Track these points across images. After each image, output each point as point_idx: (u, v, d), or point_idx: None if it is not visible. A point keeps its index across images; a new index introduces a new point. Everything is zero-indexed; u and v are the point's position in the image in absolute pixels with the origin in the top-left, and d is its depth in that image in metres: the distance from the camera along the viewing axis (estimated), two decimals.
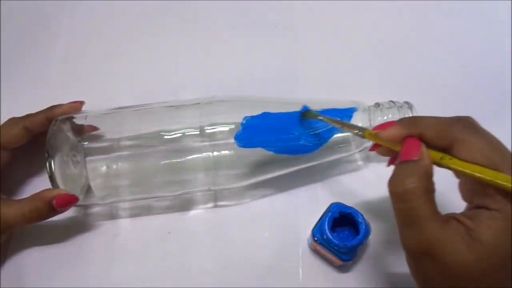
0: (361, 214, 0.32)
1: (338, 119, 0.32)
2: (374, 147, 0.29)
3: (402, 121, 0.26)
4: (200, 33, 0.45)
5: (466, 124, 0.24)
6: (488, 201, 0.23)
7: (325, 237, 0.31)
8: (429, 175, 0.24)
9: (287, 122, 0.33)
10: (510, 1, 0.46)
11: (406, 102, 0.36)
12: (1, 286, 0.34)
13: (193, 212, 0.37)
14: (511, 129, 0.40)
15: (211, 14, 0.47)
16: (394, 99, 0.36)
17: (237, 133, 0.32)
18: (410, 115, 0.35)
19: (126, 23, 0.46)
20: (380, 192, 0.37)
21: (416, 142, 0.25)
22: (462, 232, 0.22)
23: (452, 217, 0.23)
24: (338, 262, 0.32)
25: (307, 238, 0.35)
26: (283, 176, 0.35)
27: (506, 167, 0.22)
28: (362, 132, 0.29)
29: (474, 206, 0.24)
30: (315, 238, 0.32)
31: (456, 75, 0.43)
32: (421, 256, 0.23)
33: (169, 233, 0.36)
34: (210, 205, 0.37)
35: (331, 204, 0.32)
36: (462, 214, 0.24)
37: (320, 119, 0.32)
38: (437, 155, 0.24)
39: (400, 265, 0.34)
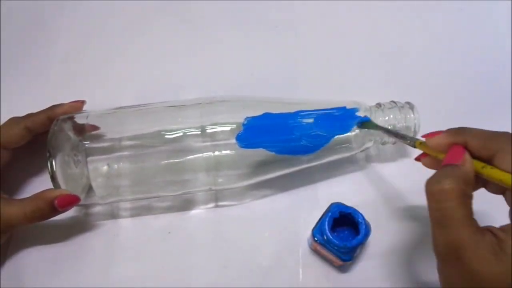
0: (361, 214, 0.32)
1: (394, 130, 0.34)
2: (422, 156, 0.29)
3: (449, 130, 0.27)
4: (200, 33, 0.46)
5: (510, 137, 0.24)
6: None
7: (325, 237, 0.31)
8: (467, 180, 0.24)
9: (288, 123, 0.33)
10: (510, 1, 0.46)
11: (408, 103, 0.36)
12: (1, 286, 0.34)
13: (193, 212, 0.37)
14: (510, 129, 0.40)
15: (211, 14, 0.47)
16: (395, 99, 0.36)
17: (238, 133, 0.33)
18: (412, 115, 0.35)
19: (126, 23, 0.46)
20: (380, 192, 0.37)
21: (460, 149, 0.25)
22: (493, 243, 0.22)
23: (487, 229, 0.23)
24: (338, 262, 0.32)
25: (307, 238, 0.35)
26: (283, 176, 0.35)
27: None
28: (413, 142, 0.29)
29: None
30: (315, 238, 0.32)
31: (456, 75, 0.43)
32: (448, 258, 0.23)
33: (169, 233, 0.36)
34: (211, 205, 0.37)
35: (331, 204, 0.33)
36: (499, 227, 0.23)
37: (379, 130, 0.33)
38: (479, 164, 0.24)
39: (400, 265, 0.34)
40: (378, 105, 0.36)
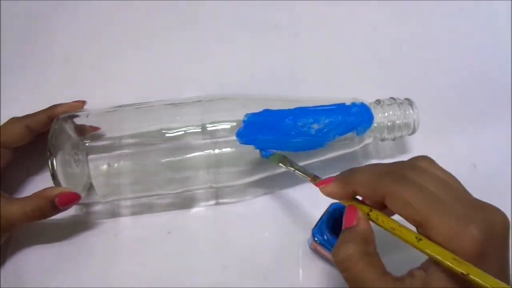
0: None
1: (298, 167, 0.31)
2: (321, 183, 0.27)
3: (338, 178, 0.26)
4: (200, 33, 0.46)
5: (397, 176, 0.23)
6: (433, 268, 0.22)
7: (325, 237, 0.31)
8: (366, 239, 0.24)
9: (288, 119, 0.33)
10: (510, 1, 0.46)
11: (407, 99, 0.36)
12: (1, 285, 0.34)
13: (194, 210, 0.37)
14: (511, 129, 0.40)
15: (211, 14, 0.47)
16: (394, 96, 0.36)
17: (238, 130, 0.33)
18: (411, 111, 0.35)
19: (127, 23, 0.46)
20: None
21: (353, 208, 0.25)
22: (417, 286, 0.22)
23: (407, 274, 0.23)
24: None
25: (307, 238, 0.35)
26: (283, 175, 0.35)
27: (436, 215, 0.21)
28: (313, 180, 0.28)
29: None
30: (315, 238, 0.32)
31: (456, 74, 0.43)
32: None
33: (169, 232, 0.36)
34: (211, 203, 0.37)
35: (331, 204, 0.33)
36: (420, 266, 0.23)
37: (280, 165, 0.31)
38: (365, 209, 0.24)
39: (400, 265, 0.34)
40: (378, 101, 0.36)
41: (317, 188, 0.36)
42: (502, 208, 0.25)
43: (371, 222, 0.24)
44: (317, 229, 0.32)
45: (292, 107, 0.34)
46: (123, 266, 0.35)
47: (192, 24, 0.46)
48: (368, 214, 0.24)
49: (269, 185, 0.37)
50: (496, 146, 0.39)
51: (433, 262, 0.22)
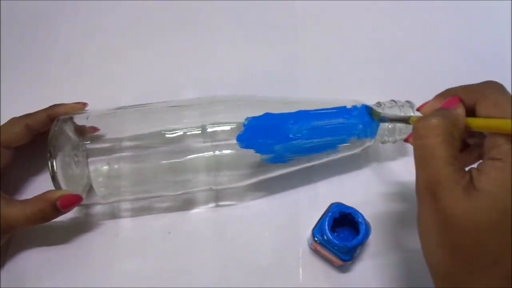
0: (361, 214, 0.32)
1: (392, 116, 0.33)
2: (409, 137, 0.28)
3: (436, 96, 0.27)
4: (200, 33, 0.46)
5: (493, 84, 0.24)
6: (494, 151, 0.22)
7: (325, 237, 0.31)
8: (456, 123, 0.23)
9: (289, 123, 0.33)
10: (510, 1, 0.46)
11: (408, 101, 0.36)
12: (1, 286, 0.34)
13: (193, 212, 0.37)
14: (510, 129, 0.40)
15: (211, 14, 0.47)
16: (395, 99, 0.36)
17: (239, 134, 0.32)
18: (412, 114, 0.35)
19: (127, 23, 0.46)
20: (380, 192, 0.37)
21: (454, 98, 0.25)
22: (466, 179, 0.22)
23: (469, 171, 0.23)
24: (338, 262, 0.32)
25: (307, 238, 0.35)
26: (283, 176, 0.35)
27: None
28: (408, 119, 0.29)
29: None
30: (315, 238, 0.32)
31: (456, 75, 0.43)
32: (425, 197, 0.23)
33: (169, 233, 0.36)
34: (211, 205, 0.37)
35: (331, 204, 0.33)
36: (477, 166, 0.23)
37: (383, 117, 0.33)
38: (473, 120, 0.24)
39: (400, 265, 0.34)
40: (378, 104, 0.36)
41: (318, 191, 0.36)
42: None
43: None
44: (317, 229, 0.32)
45: (293, 109, 0.34)
46: (123, 266, 0.35)
47: (192, 24, 0.46)
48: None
49: (269, 187, 0.37)
50: None
51: (486, 161, 0.22)
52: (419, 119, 0.24)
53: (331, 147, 0.34)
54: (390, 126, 0.35)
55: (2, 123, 0.34)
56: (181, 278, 0.34)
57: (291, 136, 0.33)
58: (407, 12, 0.47)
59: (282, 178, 0.35)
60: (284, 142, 0.33)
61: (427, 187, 0.22)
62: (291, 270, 0.34)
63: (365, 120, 0.34)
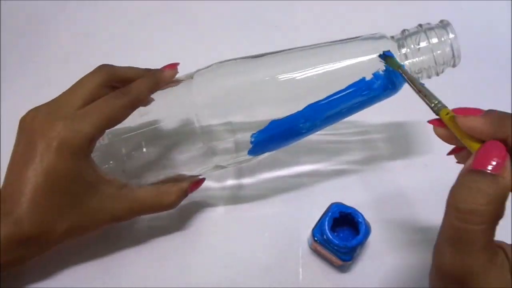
0: (361, 214, 0.32)
1: (421, 82, 0.27)
2: (438, 124, 0.24)
3: (489, 114, 0.22)
4: (200, 33, 0.46)
5: None
6: None
7: (325, 237, 0.31)
8: (505, 198, 0.19)
9: (299, 123, 0.31)
10: (510, 1, 0.46)
11: (441, 21, 0.31)
12: (1, 286, 0.34)
13: (193, 212, 0.37)
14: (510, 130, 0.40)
15: (211, 14, 0.47)
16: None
17: (249, 149, 0.31)
18: (448, 35, 0.29)
19: (127, 23, 0.46)
20: (380, 192, 0.37)
21: (501, 150, 0.20)
22: (506, 269, 0.19)
23: (501, 247, 0.20)
24: (338, 262, 0.32)
25: (307, 238, 0.35)
26: (283, 176, 0.35)
27: None
28: (438, 109, 0.24)
29: None
30: (315, 238, 0.32)
31: (456, 74, 0.43)
32: (454, 281, 0.20)
33: (169, 233, 0.36)
34: (211, 205, 0.37)
35: (331, 204, 0.33)
36: None
37: (400, 72, 0.27)
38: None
39: (400, 265, 0.34)
40: (403, 32, 0.31)
41: (318, 191, 0.35)
42: None
43: None
44: (317, 229, 0.32)
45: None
46: (124, 266, 0.35)
47: (192, 24, 0.46)
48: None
49: (269, 186, 0.37)
50: None
51: None
52: (459, 187, 0.20)
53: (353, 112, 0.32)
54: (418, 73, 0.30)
55: (2, 123, 0.34)
56: (181, 278, 0.34)
57: (304, 131, 0.31)
58: (407, 12, 0.46)
59: (281, 177, 0.35)
60: (299, 139, 0.32)
61: (457, 272, 0.20)
62: (291, 270, 0.34)
63: (389, 87, 0.30)
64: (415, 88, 0.26)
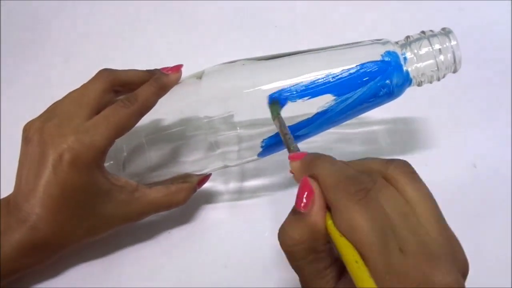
0: None
1: (283, 130, 0.28)
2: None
3: (305, 157, 0.23)
4: (200, 33, 0.46)
5: (356, 190, 0.19)
6: None
7: None
8: (316, 233, 0.20)
9: (309, 134, 0.32)
10: (510, 1, 0.46)
11: (443, 29, 0.31)
12: (1, 286, 0.34)
13: (193, 212, 0.37)
14: (510, 129, 0.40)
15: (210, 14, 0.47)
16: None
17: (258, 153, 0.32)
18: (450, 43, 0.30)
19: (127, 23, 0.46)
20: None
21: (307, 186, 0.21)
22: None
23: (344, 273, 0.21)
24: None
25: None
26: (283, 176, 0.35)
27: (379, 255, 0.18)
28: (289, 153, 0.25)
29: None
30: None
31: (455, 74, 0.43)
32: None
33: (169, 232, 0.36)
34: (211, 205, 0.37)
35: None
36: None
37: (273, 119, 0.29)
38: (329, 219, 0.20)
39: None
40: (406, 38, 0.32)
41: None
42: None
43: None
44: None
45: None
46: (124, 266, 0.35)
47: (192, 24, 0.46)
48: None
49: (269, 186, 0.37)
50: (496, 146, 0.39)
51: None
52: (281, 228, 0.22)
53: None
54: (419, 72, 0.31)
55: (2, 124, 0.34)
56: (181, 278, 0.34)
57: (312, 135, 0.32)
58: (407, 11, 0.47)
59: (281, 177, 0.35)
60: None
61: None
62: (291, 270, 0.34)
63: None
64: (281, 134, 0.27)
